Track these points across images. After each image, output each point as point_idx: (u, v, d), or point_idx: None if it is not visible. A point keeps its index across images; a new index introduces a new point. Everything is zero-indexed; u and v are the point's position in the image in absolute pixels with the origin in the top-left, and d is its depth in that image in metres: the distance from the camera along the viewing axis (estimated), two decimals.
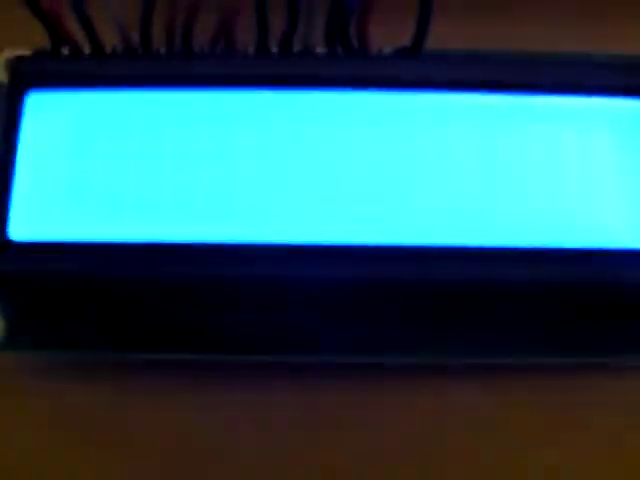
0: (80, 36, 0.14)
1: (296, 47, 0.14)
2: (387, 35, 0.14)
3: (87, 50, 0.14)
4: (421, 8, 0.14)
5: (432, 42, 0.14)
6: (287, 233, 0.13)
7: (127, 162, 0.14)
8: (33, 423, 0.15)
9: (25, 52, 0.15)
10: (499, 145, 0.13)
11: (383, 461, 0.14)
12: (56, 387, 0.15)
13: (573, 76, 0.14)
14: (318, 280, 0.13)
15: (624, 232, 0.13)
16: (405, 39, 0.14)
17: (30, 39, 0.14)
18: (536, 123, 0.13)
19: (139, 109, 0.14)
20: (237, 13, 0.14)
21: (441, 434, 0.14)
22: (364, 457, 0.14)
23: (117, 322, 0.14)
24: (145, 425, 0.15)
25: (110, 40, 0.14)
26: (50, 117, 0.14)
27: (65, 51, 0.14)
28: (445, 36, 0.14)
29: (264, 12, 0.14)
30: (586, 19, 0.16)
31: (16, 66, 0.14)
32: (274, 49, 0.14)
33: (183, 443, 0.14)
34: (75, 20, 0.14)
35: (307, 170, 0.13)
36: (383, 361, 0.14)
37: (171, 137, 0.14)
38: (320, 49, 0.14)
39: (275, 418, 0.14)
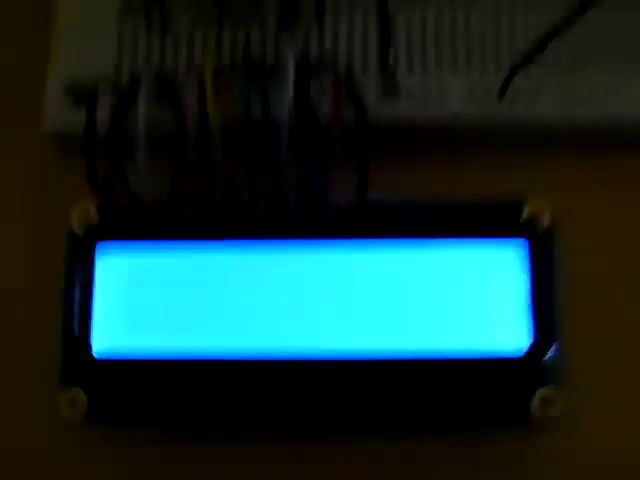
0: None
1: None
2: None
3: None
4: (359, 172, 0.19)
5: None
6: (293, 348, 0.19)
7: (175, 298, 0.19)
8: None
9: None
10: (406, 275, 0.19)
11: None
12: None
13: (452, 220, 0.19)
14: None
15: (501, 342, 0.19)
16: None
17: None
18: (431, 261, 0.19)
19: (176, 259, 0.19)
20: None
21: None
22: None
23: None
24: None
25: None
26: (115, 262, 0.19)
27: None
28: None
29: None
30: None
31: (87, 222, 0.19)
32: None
33: None
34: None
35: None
36: None
37: (203, 280, 0.19)
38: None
39: None
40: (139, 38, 0.21)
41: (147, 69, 0.20)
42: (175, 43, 0.21)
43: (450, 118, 0.20)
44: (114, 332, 0.19)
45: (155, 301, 0.19)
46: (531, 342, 0.19)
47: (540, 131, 0.20)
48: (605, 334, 0.20)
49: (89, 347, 0.19)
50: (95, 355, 0.19)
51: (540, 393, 0.19)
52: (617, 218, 0.20)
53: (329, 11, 0.21)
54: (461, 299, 0.19)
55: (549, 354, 0.19)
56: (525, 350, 0.19)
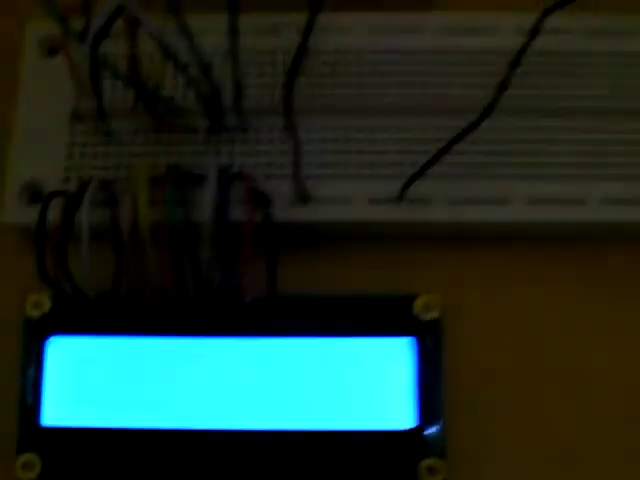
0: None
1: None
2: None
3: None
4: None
5: None
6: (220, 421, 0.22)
7: (115, 376, 0.22)
8: None
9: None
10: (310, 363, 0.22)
11: None
12: None
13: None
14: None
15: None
16: None
17: None
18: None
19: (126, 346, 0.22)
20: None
21: None
22: None
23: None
24: None
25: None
26: (64, 344, 0.23)
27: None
28: None
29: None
30: None
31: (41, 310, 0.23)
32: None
33: None
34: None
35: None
36: None
37: (138, 362, 0.22)
38: None
39: None
40: (87, 143, 0.24)
41: (94, 177, 0.23)
42: (118, 148, 0.24)
43: (354, 220, 0.23)
44: (63, 404, 0.22)
45: (98, 378, 0.22)
46: (416, 420, 0.22)
47: (433, 232, 0.23)
48: (488, 415, 0.23)
49: (40, 416, 0.22)
50: (44, 423, 0.22)
51: (425, 463, 0.22)
52: (502, 312, 0.24)
53: (251, 126, 0.24)
54: (357, 384, 0.22)
55: (432, 430, 0.22)
56: (410, 427, 0.22)
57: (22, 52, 0.25)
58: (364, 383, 0.22)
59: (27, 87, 0.25)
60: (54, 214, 0.22)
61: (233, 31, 0.21)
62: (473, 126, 0.21)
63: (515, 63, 0.21)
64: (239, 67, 0.22)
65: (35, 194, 0.24)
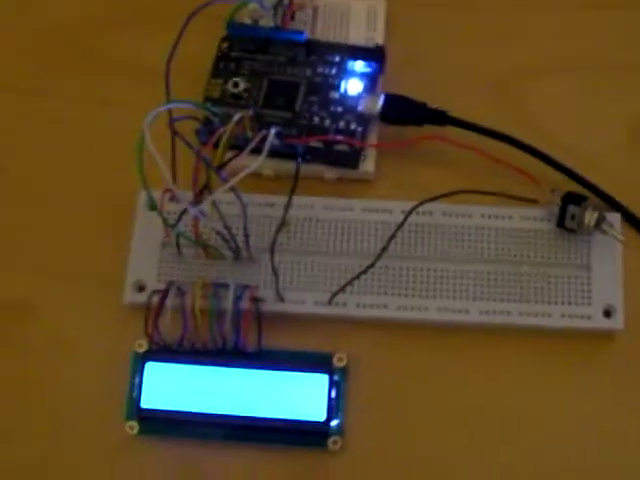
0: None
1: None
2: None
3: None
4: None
5: None
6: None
7: (183, 383, 0.44)
8: None
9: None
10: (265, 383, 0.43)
11: None
12: None
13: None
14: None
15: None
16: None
17: None
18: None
19: (186, 368, 0.44)
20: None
21: None
22: None
23: None
24: None
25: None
26: (155, 370, 0.44)
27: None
28: None
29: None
30: None
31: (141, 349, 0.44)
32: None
33: None
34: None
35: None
36: None
37: (199, 378, 0.44)
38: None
39: None
40: (169, 261, 0.46)
41: (174, 281, 0.45)
42: (186, 266, 0.46)
43: (306, 312, 0.44)
44: (151, 397, 0.44)
45: (171, 383, 0.43)
46: (326, 417, 0.43)
47: (348, 320, 0.45)
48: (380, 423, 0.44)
49: (140, 402, 0.44)
50: (142, 406, 0.44)
51: (331, 439, 0.43)
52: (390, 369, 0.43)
53: (254, 258, 0.45)
54: (300, 395, 0.43)
55: (336, 422, 0.43)
56: (322, 420, 0.43)
57: (136, 209, 0.46)
58: (304, 395, 0.43)
59: (139, 229, 0.46)
60: (153, 300, 0.44)
61: (245, 213, 0.43)
62: (369, 266, 0.43)
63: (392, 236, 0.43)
64: (248, 227, 0.44)
65: (140, 287, 0.45)
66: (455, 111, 0.46)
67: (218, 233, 0.42)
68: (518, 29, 0.49)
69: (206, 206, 0.40)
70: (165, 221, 0.42)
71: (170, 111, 0.40)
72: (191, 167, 0.39)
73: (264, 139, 0.40)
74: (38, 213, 0.46)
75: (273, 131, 0.40)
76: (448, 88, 0.48)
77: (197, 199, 0.41)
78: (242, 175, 0.38)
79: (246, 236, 0.43)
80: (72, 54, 0.49)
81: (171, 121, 0.40)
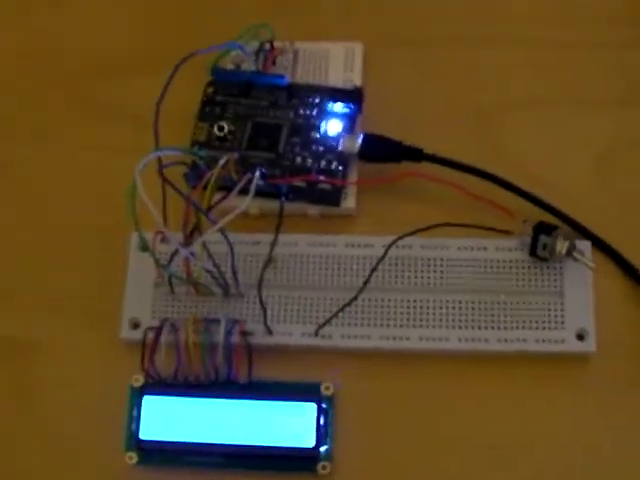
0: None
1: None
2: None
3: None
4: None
5: None
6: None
7: (178, 415, 0.46)
8: None
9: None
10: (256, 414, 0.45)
11: None
12: None
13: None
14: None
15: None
16: None
17: None
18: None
19: (180, 400, 0.46)
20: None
21: None
22: None
23: None
24: None
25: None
26: (152, 403, 0.46)
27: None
28: None
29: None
30: None
31: (137, 384, 0.46)
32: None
33: None
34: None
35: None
36: None
37: (193, 409, 0.46)
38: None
39: None
40: (162, 299, 0.48)
41: (167, 319, 0.47)
42: (178, 303, 0.48)
43: (293, 343, 0.47)
44: (149, 428, 0.46)
45: (168, 415, 0.45)
46: (315, 443, 0.45)
47: (334, 351, 0.47)
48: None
49: (139, 433, 0.46)
50: (141, 437, 0.46)
51: (320, 464, 0.45)
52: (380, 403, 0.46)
53: (243, 294, 0.48)
54: (290, 424, 0.45)
55: (325, 447, 0.45)
56: (313, 445, 0.45)
57: (129, 250, 0.49)
58: (293, 423, 0.45)
59: (132, 269, 0.49)
60: (148, 337, 0.46)
61: (232, 252, 0.45)
62: (353, 299, 0.45)
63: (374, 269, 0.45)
64: (236, 264, 0.46)
65: (135, 325, 0.48)
66: (432, 145, 0.48)
67: (208, 271, 0.45)
68: (491, 65, 0.51)
69: (196, 247, 0.42)
70: (157, 262, 0.44)
71: (159, 158, 0.42)
72: (179, 207, 0.41)
73: (250, 181, 0.43)
74: (36, 253, 0.48)
75: (257, 173, 0.43)
76: (425, 124, 0.51)
77: (187, 240, 0.43)
78: (230, 217, 0.41)
79: (234, 273, 0.45)
80: (60, 100, 0.51)
81: (160, 168, 0.42)
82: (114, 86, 0.52)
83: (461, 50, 0.50)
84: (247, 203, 0.41)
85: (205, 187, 0.42)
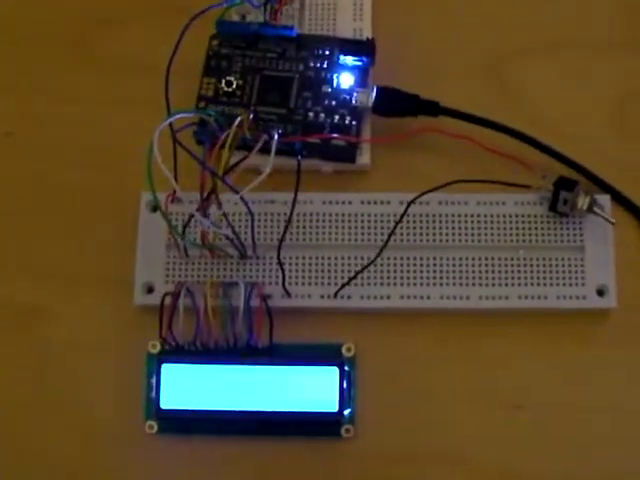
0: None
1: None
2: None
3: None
4: None
5: None
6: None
7: (197, 382, 0.45)
8: None
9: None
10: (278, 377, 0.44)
11: None
12: None
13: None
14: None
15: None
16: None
17: None
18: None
19: (200, 368, 0.45)
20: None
21: None
22: None
23: None
24: None
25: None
26: (170, 371, 0.45)
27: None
28: None
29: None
30: None
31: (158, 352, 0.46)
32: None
33: None
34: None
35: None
36: None
37: (212, 376, 0.45)
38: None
39: None
40: (177, 262, 0.47)
41: (184, 282, 0.46)
42: (192, 267, 0.47)
43: (312, 306, 0.46)
44: (169, 396, 0.45)
45: (186, 383, 0.45)
46: (338, 407, 0.45)
47: (354, 313, 0.46)
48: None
49: (159, 402, 0.45)
50: (161, 406, 0.45)
51: (344, 427, 0.45)
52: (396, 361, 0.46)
53: (260, 256, 0.47)
54: (314, 388, 0.45)
55: (348, 411, 0.45)
56: (335, 410, 0.45)
57: (139, 211, 0.48)
58: (316, 388, 0.45)
59: (143, 231, 0.47)
60: (165, 302, 0.45)
61: (252, 219, 0.44)
62: (374, 259, 0.45)
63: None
64: (254, 226, 0.45)
65: (149, 289, 0.47)
66: (447, 96, 0.47)
67: (225, 236, 0.43)
68: (506, 10, 0.50)
69: (215, 217, 0.41)
70: (174, 229, 0.43)
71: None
72: (189, 165, 0.40)
73: (265, 142, 0.41)
74: (51, 220, 0.47)
75: (276, 136, 0.41)
76: (439, 74, 0.49)
77: (204, 204, 0.41)
78: (253, 185, 0.40)
79: (253, 239, 0.44)
80: (69, 52, 0.50)
81: (173, 133, 0.41)
82: (122, 36, 0.51)
83: None
84: (269, 167, 0.40)
85: (222, 146, 0.41)
